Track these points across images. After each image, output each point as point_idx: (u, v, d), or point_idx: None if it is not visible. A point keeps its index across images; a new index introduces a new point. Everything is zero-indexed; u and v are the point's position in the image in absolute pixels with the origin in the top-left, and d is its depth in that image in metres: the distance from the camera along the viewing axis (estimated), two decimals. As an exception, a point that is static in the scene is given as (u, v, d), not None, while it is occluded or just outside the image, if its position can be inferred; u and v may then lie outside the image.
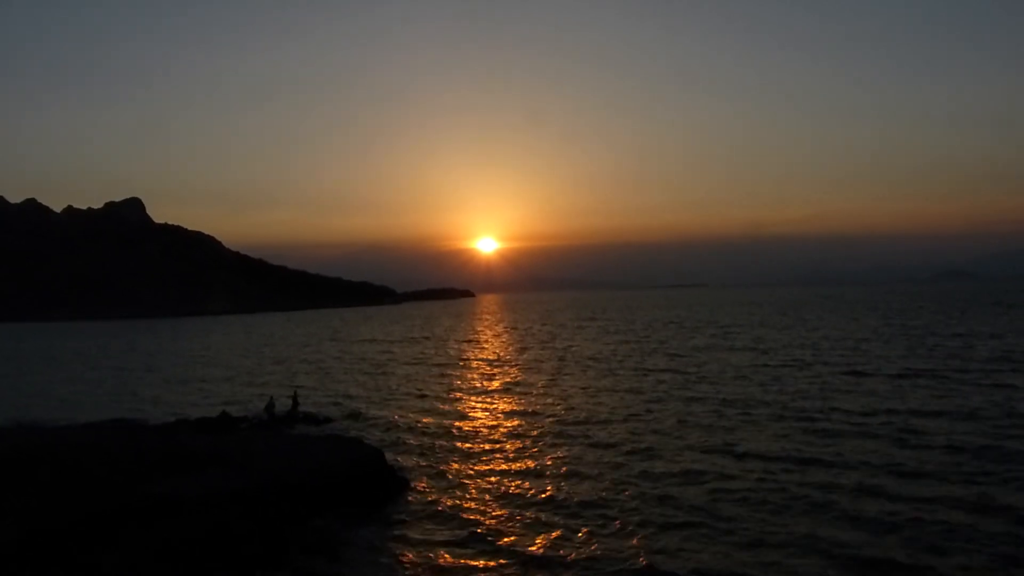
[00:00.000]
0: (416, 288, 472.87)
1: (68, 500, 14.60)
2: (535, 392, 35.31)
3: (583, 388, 35.95)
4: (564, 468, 20.33)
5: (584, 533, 15.22)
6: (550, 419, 27.78)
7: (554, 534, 15.18)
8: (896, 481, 18.09)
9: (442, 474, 20.60)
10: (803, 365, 41.92)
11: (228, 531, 14.70)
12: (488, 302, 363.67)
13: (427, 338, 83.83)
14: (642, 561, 13.56)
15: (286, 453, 18.89)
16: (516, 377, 42.00)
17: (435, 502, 17.90)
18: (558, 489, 18.26)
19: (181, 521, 14.36)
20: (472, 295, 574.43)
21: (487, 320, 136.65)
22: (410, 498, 18.39)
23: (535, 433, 25.12)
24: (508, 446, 23.59)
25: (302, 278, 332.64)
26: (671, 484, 18.38)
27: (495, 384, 39.31)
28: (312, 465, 17.94)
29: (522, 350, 61.24)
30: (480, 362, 52.18)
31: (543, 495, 17.85)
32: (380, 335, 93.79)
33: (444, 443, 24.59)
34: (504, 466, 20.83)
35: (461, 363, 51.85)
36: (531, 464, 20.90)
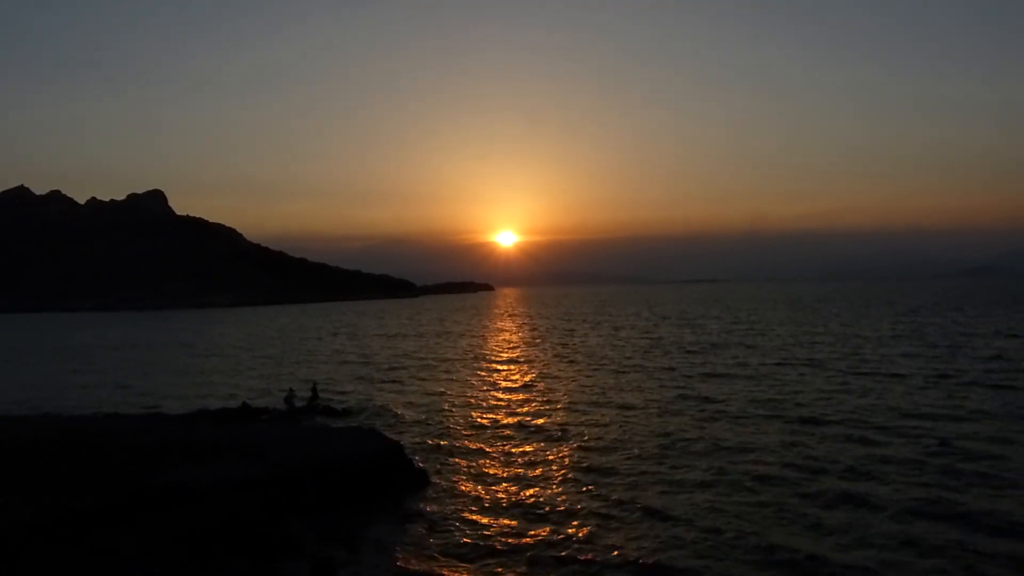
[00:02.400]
0: (435, 281, 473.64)
1: (88, 485, 15.02)
2: (553, 390, 35.28)
3: (603, 386, 35.96)
4: (586, 467, 20.25)
5: (604, 535, 15.06)
6: (570, 418, 27.71)
7: (574, 535, 15.05)
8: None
9: (461, 471, 20.70)
10: (821, 364, 41.60)
11: (245, 519, 14.91)
12: (507, 296, 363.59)
13: (446, 332, 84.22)
14: (670, 565, 13.46)
15: (305, 444, 18.99)
16: (534, 374, 42.07)
17: (454, 499, 17.94)
18: (578, 490, 18.16)
19: (198, 508, 14.62)
20: (491, 289, 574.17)
21: (505, 314, 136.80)
22: (429, 493, 18.46)
23: (555, 432, 25.12)
24: (528, 446, 23.57)
25: (322, 271, 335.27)
26: (696, 489, 18.00)
27: (513, 381, 39.34)
28: (331, 456, 18.02)
29: (539, 346, 61.29)
30: (498, 358, 52.31)
31: (563, 495, 17.78)
32: (400, 329, 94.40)
33: (463, 440, 24.66)
34: (524, 466, 20.85)
35: (479, 359, 51.98)
36: (552, 464, 20.83)
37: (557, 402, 31.53)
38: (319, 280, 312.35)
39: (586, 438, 23.97)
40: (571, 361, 47.60)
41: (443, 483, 19.39)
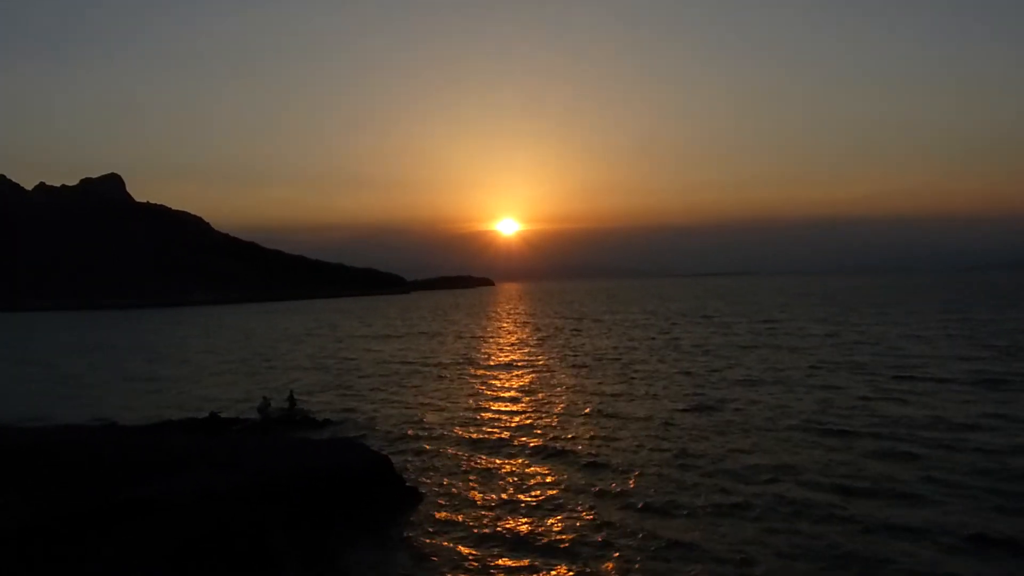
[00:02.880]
0: (428, 275, 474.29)
1: (54, 499, 15.25)
2: (553, 397, 35.65)
3: (605, 393, 36.19)
4: (592, 488, 20.32)
5: (603, 558, 15.32)
6: (575, 431, 28.03)
7: (576, 568, 15.12)
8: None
9: (455, 489, 20.90)
10: (854, 367, 41.75)
11: (218, 535, 15.11)
12: (508, 292, 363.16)
13: (438, 333, 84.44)
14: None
15: (282, 457, 19.24)
16: (533, 379, 42.39)
17: (447, 520, 18.10)
18: (582, 514, 18.20)
19: (169, 522, 14.80)
20: (491, 284, 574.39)
21: (506, 312, 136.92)
22: (419, 512, 18.67)
23: (558, 447, 25.33)
24: (528, 462, 23.85)
25: (300, 264, 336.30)
26: (718, 516, 17.70)
27: (513, 388, 39.65)
28: (311, 470, 18.26)
29: (541, 348, 61.50)
30: (496, 362, 52.54)
31: (565, 519, 17.87)
32: (386, 329, 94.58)
33: (457, 454, 24.90)
34: (523, 485, 21.02)
35: (475, 363, 52.19)
36: (554, 484, 21.00)
37: (561, 412, 31.63)
38: (297, 275, 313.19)
39: (593, 454, 24.06)
40: (577, 365, 47.86)
41: (435, 501, 19.57)
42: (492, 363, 51.79)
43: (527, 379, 42.71)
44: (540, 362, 51.05)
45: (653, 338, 65.95)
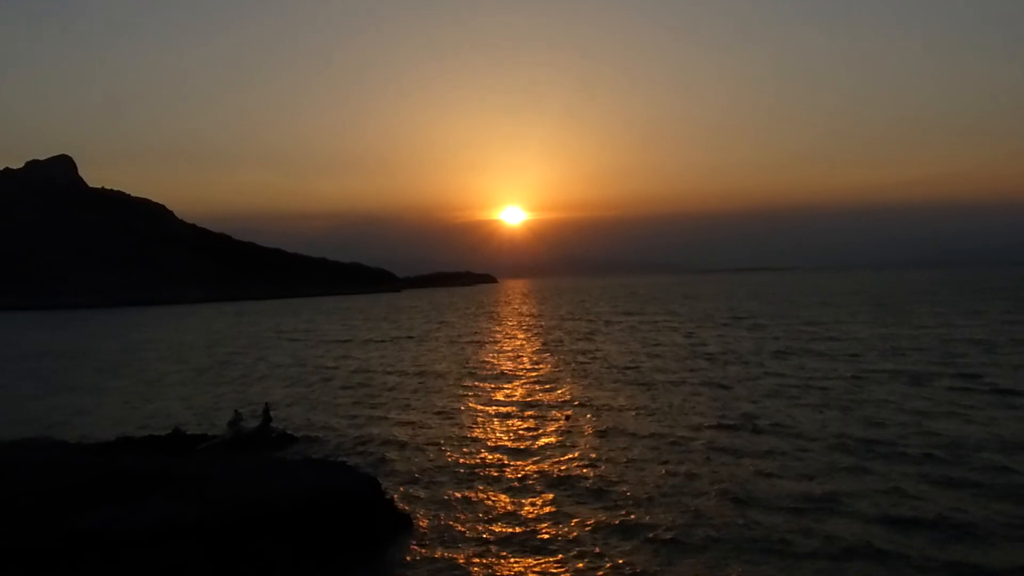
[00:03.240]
0: (421, 271, 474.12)
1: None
2: (559, 412, 35.94)
3: (619, 407, 36.31)
4: (606, 521, 20.40)
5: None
6: (575, 447, 28.29)
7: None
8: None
9: (449, 510, 21.21)
10: (907, 377, 41.75)
11: (182, 573, 15.16)
12: (512, 289, 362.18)
13: (431, 337, 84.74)
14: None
15: (256, 479, 19.43)
16: (537, 392, 42.53)
17: (442, 545, 18.41)
18: (594, 554, 18.16)
19: (122, 559, 14.82)
20: (493, 280, 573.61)
21: (509, 313, 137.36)
22: (412, 539, 18.98)
23: (567, 472, 25.47)
24: (526, 481, 24.22)
25: (276, 258, 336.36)
26: (753, 557, 17.51)
27: (511, 400, 39.69)
28: (289, 494, 18.44)
29: (548, 355, 61.72)
30: (495, 371, 52.75)
31: (575, 560, 17.88)
32: (373, 333, 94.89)
33: (453, 477, 25.24)
34: (529, 516, 21.23)
35: (472, 372, 52.43)
36: (562, 515, 21.10)
37: (568, 430, 31.72)
38: (273, 270, 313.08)
39: (603, 479, 24.17)
40: (589, 375, 48.00)
41: (429, 528, 19.82)
42: (491, 372, 51.92)
43: (531, 391, 42.86)
44: (546, 371, 51.20)
45: (676, 343, 66.08)
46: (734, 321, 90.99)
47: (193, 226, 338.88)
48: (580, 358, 57.87)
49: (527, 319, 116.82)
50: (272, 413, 33.33)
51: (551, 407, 37.51)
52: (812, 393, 38.06)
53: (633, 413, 34.83)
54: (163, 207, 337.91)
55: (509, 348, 69.85)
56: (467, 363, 57.93)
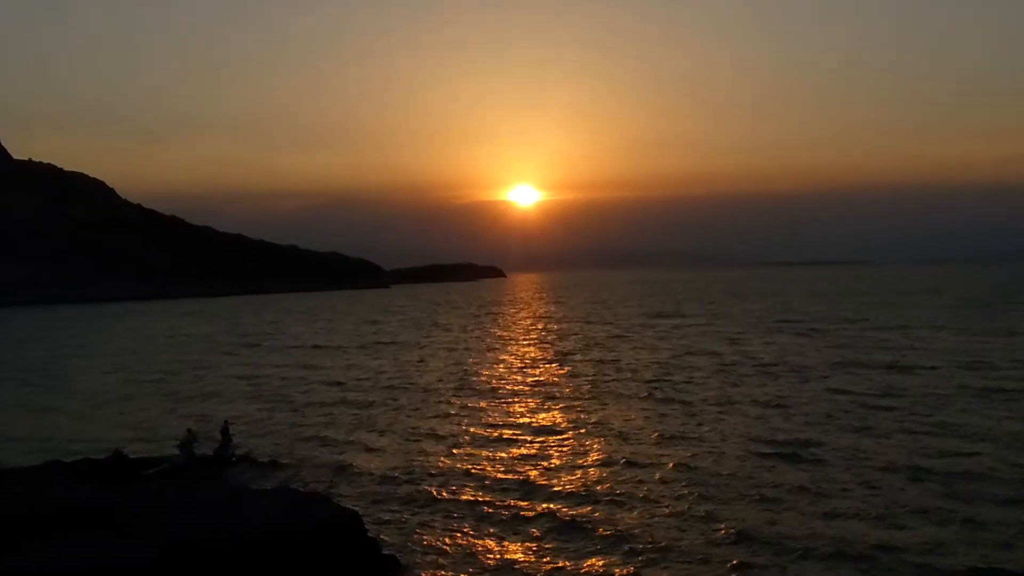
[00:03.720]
0: (413, 263, 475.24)
1: None
2: (573, 437, 36.04)
3: (646, 432, 36.21)
4: (606, 566, 20.51)
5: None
6: (590, 481, 28.40)
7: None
8: None
9: (441, 553, 21.42)
10: (1009, 398, 41.25)
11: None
12: (522, 286, 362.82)
13: (422, 344, 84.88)
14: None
15: (214, 512, 19.47)
16: (547, 412, 42.54)
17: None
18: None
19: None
20: (500, 275, 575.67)
21: (517, 315, 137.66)
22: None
23: (568, 503, 25.39)
24: (527, 520, 24.38)
25: (237, 246, 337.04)
26: None
27: (515, 422, 40.16)
28: (254, 530, 18.36)
29: (562, 366, 61.74)
30: (497, 386, 52.70)
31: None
32: (352, 338, 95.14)
33: (443, 508, 25.45)
34: (523, 547, 21.57)
35: (469, 387, 52.41)
36: (561, 557, 21.29)
37: (582, 460, 31.72)
38: (233, 260, 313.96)
39: (622, 522, 24.18)
40: (609, 393, 47.77)
41: (421, 571, 20.07)
42: (490, 388, 51.79)
43: (535, 411, 42.76)
44: (556, 387, 51.03)
45: (717, 352, 65.90)
46: (788, 325, 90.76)
47: (139, 207, 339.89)
48: (598, 370, 57.74)
49: (538, 322, 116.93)
50: (232, 433, 33.37)
51: (558, 431, 37.35)
52: (882, 415, 37.61)
53: (656, 437, 34.66)
54: (102, 184, 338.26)
55: (514, 358, 69.84)
56: (463, 376, 57.80)
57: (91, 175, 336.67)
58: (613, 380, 52.77)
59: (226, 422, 34.17)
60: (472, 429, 38.34)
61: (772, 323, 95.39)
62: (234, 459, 31.63)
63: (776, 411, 39.70)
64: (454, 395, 48.96)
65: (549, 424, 39.09)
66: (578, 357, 67.29)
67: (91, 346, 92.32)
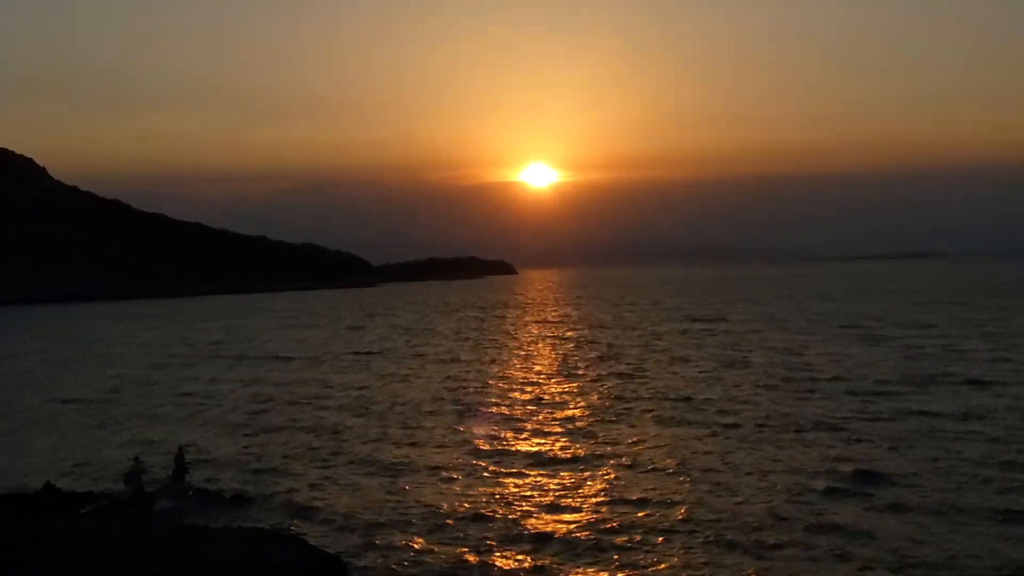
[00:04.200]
0: (406, 257, 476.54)
1: None
2: (583, 466, 36.19)
3: (661, 459, 36.26)
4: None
5: None
6: (598, 518, 28.57)
7: None
8: None
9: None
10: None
11: None
12: (536, 284, 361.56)
13: (412, 354, 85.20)
14: None
15: (164, 552, 19.47)
16: (552, 436, 42.64)
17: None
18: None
19: None
20: (510, 271, 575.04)
21: (527, 319, 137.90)
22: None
23: (568, 556, 25.39)
24: (529, 563, 24.55)
25: (196, 237, 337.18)
26: None
27: (511, 449, 40.43)
28: (212, 574, 18.51)
29: (578, 383, 61.82)
30: (500, 407, 52.62)
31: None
32: (330, 346, 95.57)
33: (436, 555, 25.52)
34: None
35: (462, 407, 52.47)
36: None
37: (601, 495, 31.80)
38: (191, 254, 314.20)
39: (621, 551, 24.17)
40: (628, 413, 47.84)
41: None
42: (488, 409, 51.70)
43: (549, 439, 42.63)
44: (573, 408, 51.04)
45: (764, 363, 66.18)
46: (852, 331, 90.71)
47: (76, 190, 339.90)
48: (620, 388, 57.52)
49: (551, 328, 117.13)
50: (188, 461, 33.51)
51: (568, 463, 37.12)
52: (963, 443, 37.39)
53: (686, 470, 34.46)
54: (31, 161, 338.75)
55: (520, 372, 69.94)
56: (458, 395, 57.61)
57: (18, 152, 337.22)
58: (638, 399, 52.63)
59: (180, 449, 34.34)
60: (467, 460, 38.25)
61: (832, 328, 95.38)
62: (190, 492, 31.73)
63: (835, 436, 39.61)
64: (447, 418, 48.88)
65: (560, 455, 38.87)
66: (597, 371, 67.35)
67: (14, 358, 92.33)
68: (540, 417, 48.30)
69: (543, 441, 41.94)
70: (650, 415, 47.02)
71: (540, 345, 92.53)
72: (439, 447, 41.24)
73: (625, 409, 49.21)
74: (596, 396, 54.60)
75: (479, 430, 44.98)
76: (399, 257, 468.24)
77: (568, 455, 38.50)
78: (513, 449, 40.40)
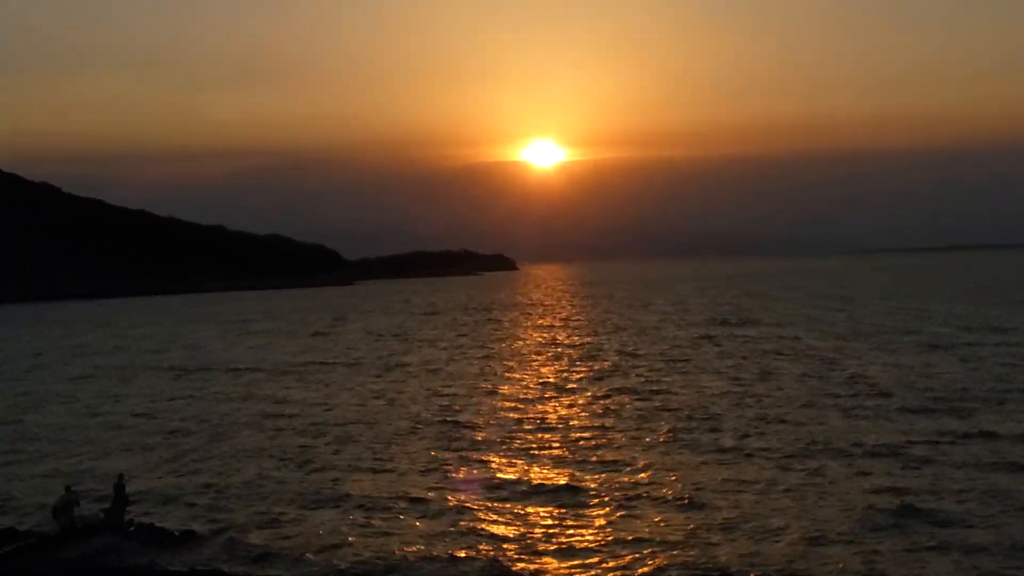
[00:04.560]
0: (388, 251, 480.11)
1: None
2: (594, 503, 35.99)
3: (690, 494, 35.97)
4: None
5: None
6: (606, 567, 28.32)
7: None
8: None
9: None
10: None
11: None
12: (540, 282, 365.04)
13: (391, 364, 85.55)
14: None
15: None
16: (551, 464, 42.88)
17: None
18: None
19: None
20: (510, 266, 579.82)
21: (524, 324, 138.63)
22: None
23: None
24: None
25: (140, 226, 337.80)
26: None
27: (510, 478, 40.64)
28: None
29: (575, 399, 62.32)
30: (485, 430, 52.49)
31: None
32: (298, 355, 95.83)
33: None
34: None
35: (456, 425, 52.76)
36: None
37: (614, 534, 31.52)
38: (133, 247, 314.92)
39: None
40: (650, 438, 47.39)
41: None
42: (482, 432, 51.72)
43: (543, 464, 42.77)
44: (577, 430, 50.86)
45: (810, 377, 65.79)
46: (912, 338, 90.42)
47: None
48: (633, 406, 57.49)
49: (555, 334, 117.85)
50: (130, 492, 33.52)
51: (561, 493, 37.24)
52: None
53: (688, 499, 34.05)
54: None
55: (514, 387, 70.10)
56: (441, 414, 57.81)
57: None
58: (654, 420, 52.53)
59: (120, 477, 34.15)
60: (446, 493, 38.15)
61: (889, 334, 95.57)
62: (131, 528, 31.84)
63: (892, 463, 39.43)
64: (425, 443, 49.01)
65: (556, 485, 38.87)
66: (605, 386, 67.42)
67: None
68: (535, 442, 48.30)
69: (537, 471, 41.90)
70: (667, 439, 46.94)
71: (541, 354, 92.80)
72: (414, 477, 41.28)
73: (638, 431, 49.20)
74: (604, 417, 54.48)
75: (466, 454, 45.34)
76: (380, 250, 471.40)
77: (565, 484, 38.51)
78: (501, 479, 40.52)
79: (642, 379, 69.71)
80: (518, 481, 39.82)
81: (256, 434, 52.17)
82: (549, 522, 33.33)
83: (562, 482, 39.16)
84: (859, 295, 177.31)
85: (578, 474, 40.29)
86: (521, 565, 28.97)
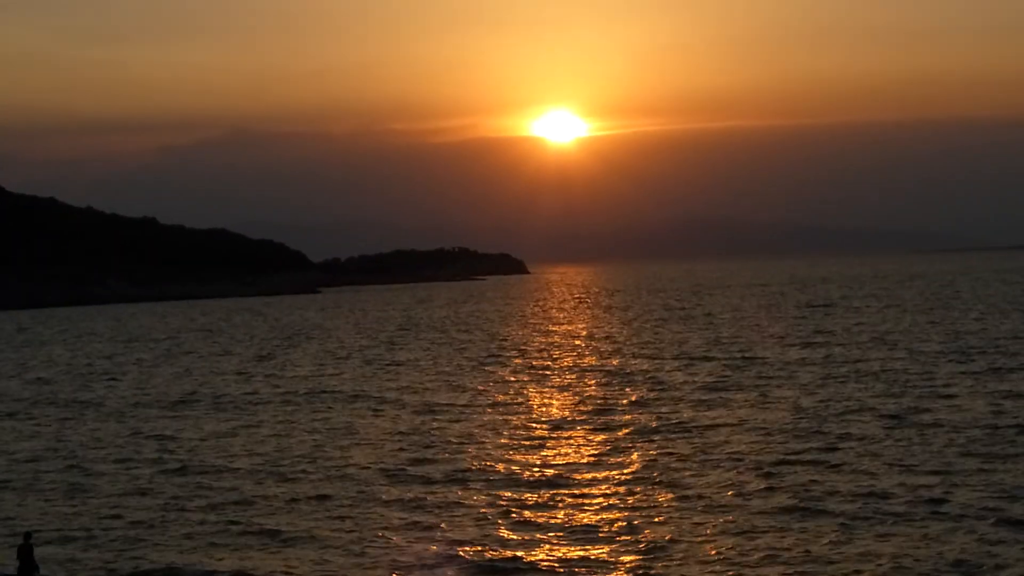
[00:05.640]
0: (366, 250, 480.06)
1: None
2: (592, 561, 36.81)
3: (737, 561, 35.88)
4: None
5: None
6: None
7: None
8: None
9: None
10: None
11: None
12: (554, 287, 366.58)
13: (355, 397, 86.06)
14: None
15: None
16: (548, 518, 43.30)
17: None
18: None
19: None
20: (519, 269, 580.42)
21: (531, 339, 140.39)
22: None
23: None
24: None
25: (37, 217, 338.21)
26: None
27: (504, 534, 40.62)
28: None
29: (591, 434, 63.34)
30: (478, 473, 53.04)
31: None
32: (228, 388, 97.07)
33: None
34: None
35: (428, 471, 53.41)
36: None
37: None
38: (30, 243, 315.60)
39: None
40: (690, 487, 47.66)
41: None
42: (473, 475, 52.28)
43: (547, 527, 42.63)
44: (593, 478, 51.31)
45: (887, 413, 65.50)
46: (1017, 361, 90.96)
47: None
48: (666, 447, 57.92)
49: (568, 352, 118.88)
50: (37, 552, 33.92)
51: (567, 564, 37.15)
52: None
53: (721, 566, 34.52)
54: None
55: (514, 418, 70.77)
56: (421, 452, 58.79)
57: None
58: (692, 463, 53.04)
59: (27, 536, 34.73)
60: (433, 548, 38.45)
61: (990, 354, 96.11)
62: None
63: (957, 525, 38.96)
64: (402, 486, 49.73)
65: (565, 555, 38.58)
66: (629, 418, 68.23)
67: None
68: (540, 490, 48.45)
69: (538, 535, 41.30)
70: (716, 490, 46.77)
71: (549, 377, 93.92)
72: (394, 530, 41.36)
73: (676, 480, 49.37)
74: (627, 462, 54.68)
75: (455, 496, 46.45)
76: (354, 249, 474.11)
77: (579, 557, 38.05)
78: (516, 512, 42.26)
79: (674, 407, 69.78)
80: (511, 510, 39.66)
81: (202, 478, 52.95)
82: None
83: (565, 549, 38.88)
84: (960, 302, 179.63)
85: (585, 544, 39.46)
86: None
